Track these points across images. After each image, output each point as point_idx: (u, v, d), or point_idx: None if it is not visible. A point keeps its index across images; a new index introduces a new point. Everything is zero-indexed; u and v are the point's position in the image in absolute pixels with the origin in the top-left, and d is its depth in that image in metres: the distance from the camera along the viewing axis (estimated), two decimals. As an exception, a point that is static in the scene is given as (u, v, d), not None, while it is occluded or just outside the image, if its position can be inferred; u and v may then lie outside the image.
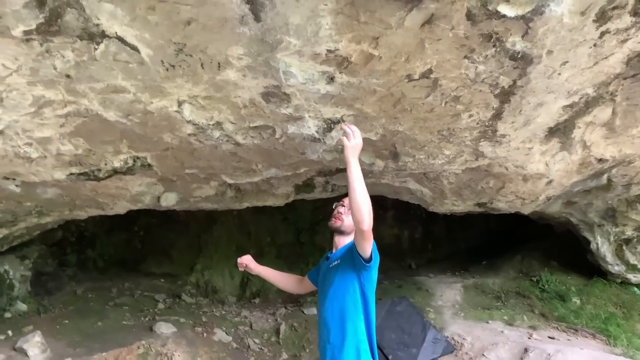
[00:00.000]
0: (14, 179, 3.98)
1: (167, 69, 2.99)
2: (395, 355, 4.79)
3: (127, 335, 5.04)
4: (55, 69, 2.87)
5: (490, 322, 5.29)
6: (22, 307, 5.49)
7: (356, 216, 2.44)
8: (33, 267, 5.98)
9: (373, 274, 2.70)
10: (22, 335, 4.77)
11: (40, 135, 3.44)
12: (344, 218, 2.92)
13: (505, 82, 3.21)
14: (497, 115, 3.59)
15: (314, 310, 5.93)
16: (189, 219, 7.85)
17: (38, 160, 3.72)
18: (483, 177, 4.77)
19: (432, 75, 3.16)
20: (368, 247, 2.54)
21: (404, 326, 5.26)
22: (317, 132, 3.68)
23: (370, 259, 2.59)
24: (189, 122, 3.50)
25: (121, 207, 4.99)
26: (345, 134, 2.61)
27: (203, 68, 3.00)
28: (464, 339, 4.94)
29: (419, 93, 3.35)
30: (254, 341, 5.56)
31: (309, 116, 3.54)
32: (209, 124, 3.56)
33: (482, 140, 3.94)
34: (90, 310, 5.76)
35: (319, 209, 7.97)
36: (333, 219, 2.98)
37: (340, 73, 3.12)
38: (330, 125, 3.67)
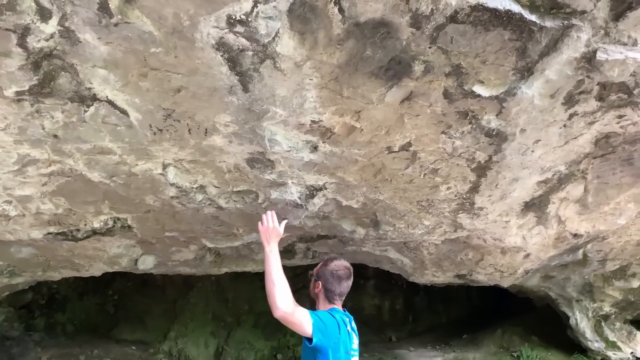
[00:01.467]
0: (-12, 237, 3.90)
1: (155, 133, 3.06)
2: None
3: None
4: (43, 128, 2.91)
5: (471, 399, 5.14)
6: (-19, 373, 5.18)
7: (268, 301, 2.42)
8: (-2, 331, 5.70)
9: (322, 356, 2.47)
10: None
11: (21, 194, 3.42)
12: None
13: (481, 157, 3.35)
14: (475, 189, 3.70)
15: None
16: (166, 284, 7.66)
17: (16, 218, 3.67)
18: (462, 249, 4.82)
19: (411, 148, 3.29)
20: (297, 329, 2.46)
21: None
22: (299, 198, 3.74)
23: (311, 341, 2.44)
24: (172, 184, 3.53)
25: (97, 269, 4.87)
26: (261, 219, 2.63)
27: (190, 133, 3.08)
28: (444, 417, 4.78)
29: (398, 164, 3.46)
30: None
31: (292, 182, 3.60)
32: (192, 187, 3.60)
33: (461, 212, 4.02)
34: (54, 379, 5.45)
35: (298, 275, 7.86)
36: None
37: (323, 143, 3.23)
38: (313, 192, 3.74)
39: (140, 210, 3.91)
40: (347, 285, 2.62)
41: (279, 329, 7.70)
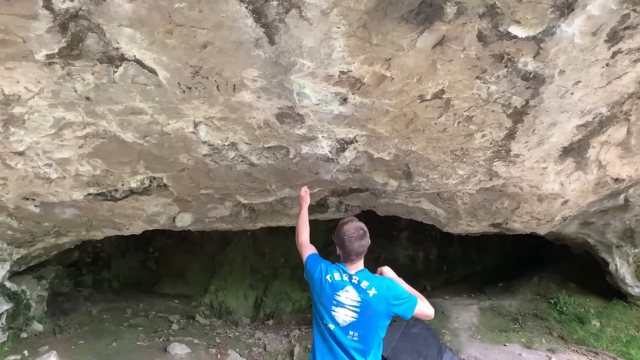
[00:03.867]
0: (33, 200, 4.07)
1: (184, 91, 3.06)
2: (410, 378, 4.72)
3: (141, 356, 5.05)
4: (75, 91, 2.95)
5: (507, 344, 5.18)
6: (38, 327, 5.53)
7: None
8: (50, 288, 6.03)
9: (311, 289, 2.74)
10: (37, 356, 4.80)
11: (60, 156, 3.52)
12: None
13: (517, 102, 3.22)
14: (511, 135, 3.59)
15: (327, 333, 5.86)
16: (204, 240, 7.89)
17: (57, 180, 3.80)
18: (498, 198, 4.74)
19: (444, 96, 3.19)
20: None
21: (420, 348, 5.18)
22: (330, 152, 3.72)
23: None
24: (204, 143, 3.56)
25: (137, 228, 5.05)
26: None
27: (219, 90, 3.06)
28: (480, 362, 4.86)
29: (431, 113, 3.37)
30: (267, 363, 5.52)
31: (323, 137, 3.58)
32: (224, 145, 3.62)
33: (496, 160, 3.93)
34: (105, 330, 5.77)
35: (332, 229, 7.94)
36: None
37: (353, 94, 3.16)
38: (344, 145, 3.71)
39: (174, 169, 3.98)
40: (359, 244, 2.60)
41: (314, 281, 7.88)
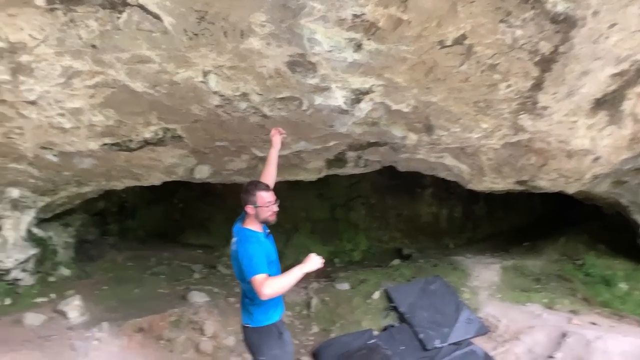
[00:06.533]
0: (51, 149, 4.11)
1: (191, 38, 2.95)
2: (426, 334, 4.71)
3: (161, 303, 5.18)
4: (80, 38, 2.88)
5: (528, 304, 5.07)
6: (66, 272, 5.75)
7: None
8: (76, 235, 6.23)
9: None
10: (63, 299, 4.99)
11: (72, 106, 3.51)
12: None
13: (545, 48, 2.99)
14: (538, 86, 3.36)
15: (345, 286, 5.90)
16: (226, 193, 7.94)
17: (72, 130, 3.81)
18: (524, 153, 4.53)
19: (465, 42, 2.98)
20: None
21: (437, 305, 5.16)
22: (344, 103, 3.58)
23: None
24: (215, 93, 3.47)
25: (155, 179, 5.08)
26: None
27: (226, 36, 2.94)
28: (499, 320, 4.76)
29: (452, 61, 3.17)
30: (285, 314, 5.61)
31: (336, 87, 3.43)
32: (235, 95, 3.52)
33: (522, 112, 3.71)
34: (129, 277, 5.96)
35: (354, 185, 7.89)
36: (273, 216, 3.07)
37: (367, 40, 2.99)
38: (359, 96, 3.55)
39: (188, 120, 3.92)
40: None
41: (335, 235, 7.92)
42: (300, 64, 3.18)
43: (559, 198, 6.28)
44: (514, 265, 6.11)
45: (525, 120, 3.81)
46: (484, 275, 5.81)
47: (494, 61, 3.14)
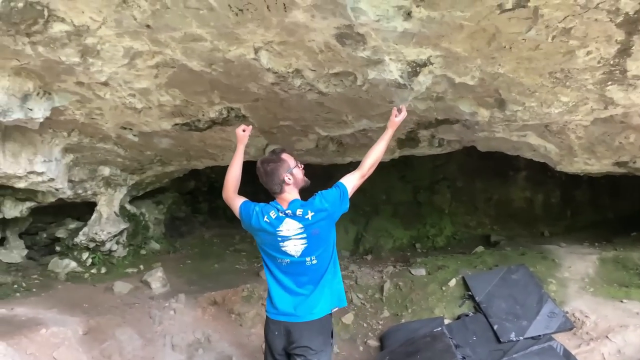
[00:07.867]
0: (130, 129, 4.41)
1: (236, 14, 2.94)
2: (501, 325, 4.37)
3: (236, 278, 5.40)
4: (135, 19, 3.01)
5: (625, 301, 4.46)
6: (156, 246, 6.23)
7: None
8: (168, 212, 6.70)
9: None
10: (149, 270, 5.40)
11: (140, 87, 3.71)
12: None
13: (629, 6, 2.54)
14: (625, 51, 2.89)
15: (422, 271, 5.66)
16: (309, 175, 8.01)
17: (145, 110, 4.05)
18: (620, 131, 3.96)
19: (529, 4, 2.63)
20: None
21: (518, 296, 4.75)
22: (401, 77, 3.37)
23: None
24: (268, 70, 3.45)
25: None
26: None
27: (269, 10, 2.89)
28: (586, 316, 4.25)
29: (516, 27, 2.83)
30: (357, 296, 5.54)
31: (390, 59, 3.24)
32: (288, 72, 3.48)
33: (609, 83, 3.22)
34: (212, 253, 6.29)
35: (438, 167, 7.51)
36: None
37: (417, 7, 2.76)
38: (416, 68, 3.33)
39: (248, 99, 3.97)
40: (268, 180, 2.78)
41: (418, 220, 7.62)
42: (349, 35, 3.04)
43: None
44: (615, 257, 5.41)
45: (614, 92, 3.30)
46: (576, 267, 5.22)
47: (567, 25, 2.73)
